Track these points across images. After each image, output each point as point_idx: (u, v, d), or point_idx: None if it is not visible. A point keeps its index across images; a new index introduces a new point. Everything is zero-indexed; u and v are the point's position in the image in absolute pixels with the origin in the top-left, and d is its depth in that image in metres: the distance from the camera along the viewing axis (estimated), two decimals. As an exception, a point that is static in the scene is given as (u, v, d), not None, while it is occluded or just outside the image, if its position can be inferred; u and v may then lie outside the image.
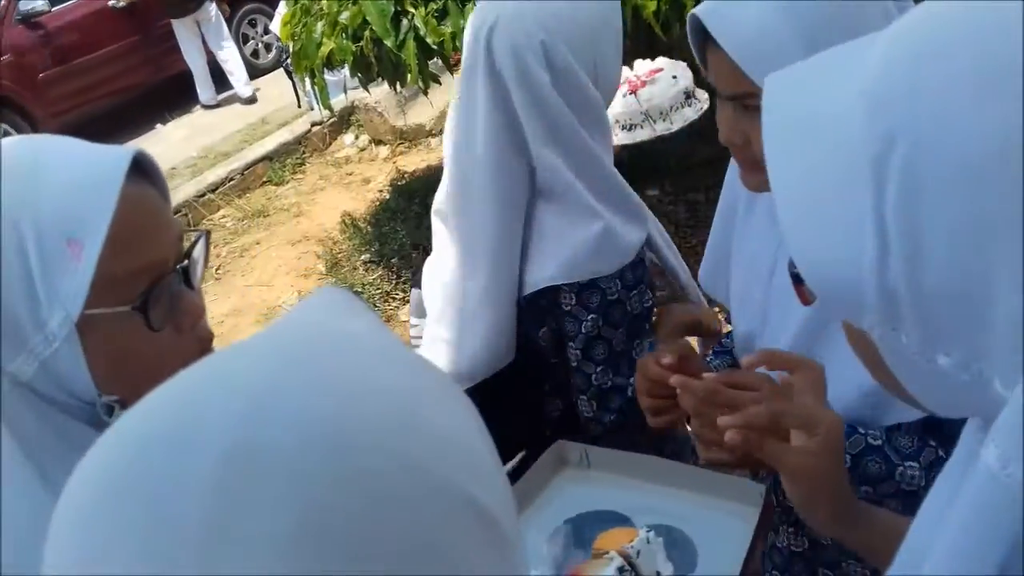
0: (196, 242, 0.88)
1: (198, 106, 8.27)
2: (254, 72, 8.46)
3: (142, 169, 0.84)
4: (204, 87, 8.22)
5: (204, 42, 7.97)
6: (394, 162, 6.08)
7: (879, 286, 0.48)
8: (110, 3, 7.89)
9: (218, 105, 8.16)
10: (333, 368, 0.42)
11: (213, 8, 7.92)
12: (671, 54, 4.27)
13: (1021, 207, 0.42)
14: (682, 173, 4.54)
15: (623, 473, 1.30)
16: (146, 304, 0.79)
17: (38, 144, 0.83)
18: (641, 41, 4.09)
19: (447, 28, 3.19)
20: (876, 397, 1.01)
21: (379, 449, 0.39)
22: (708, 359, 1.37)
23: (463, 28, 3.20)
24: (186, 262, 0.85)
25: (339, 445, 0.38)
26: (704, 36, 1.03)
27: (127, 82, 8.15)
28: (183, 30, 7.93)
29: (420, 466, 0.39)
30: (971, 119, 0.43)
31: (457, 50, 3.29)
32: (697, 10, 1.03)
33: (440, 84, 3.69)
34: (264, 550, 0.35)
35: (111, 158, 0.80)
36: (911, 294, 0.47)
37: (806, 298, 0.82)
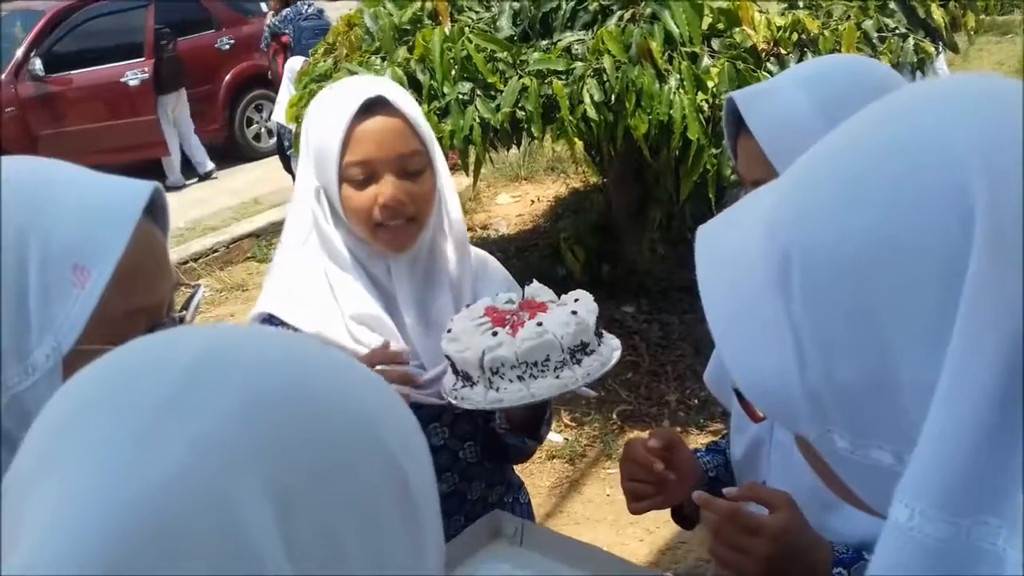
0: (195, 294, 0.85)
1: (193, 181, 8.32)
2: (254, 155, 8.61)
3: (152, 209, 0.81)
4: (175, 166, 8.19)
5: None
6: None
7: (804, 389, 0.53)
8: (122, 80, 7.93)
9: (184, 187, 8.13)
10: (306, 345, 0.49)
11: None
12: (658, 180, 4.42)
13: (897, 294, 0.49)
14: (660, 294, 4.63)
15: (555, 557, 1.24)
16: None
17: (50, 165, 0.77)
18: (629, 164, 4.26)
19: (447, 125, 3.30)
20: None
21: (333, 399, 0.45)
22: (700, 455, 1.33)
23: (462, 127, 3.33)
24: (184, 312, 0.81)
25: (293, 382, 0.44)
26: (739, 122, 1.08)
27: (121, 156, 7.95)
28: (166, 107, 8.01)
29: (365, 422, 0.46)
30: (845, 229, 0.51)
31: (455, 148, 3.40)
32: (735, 95, 1.08)
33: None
34: (198, 448, 0.40)
35: (131, 188, 0.77)
36: (832, 392, 0.52)
37: (756, 416, 0.85)
